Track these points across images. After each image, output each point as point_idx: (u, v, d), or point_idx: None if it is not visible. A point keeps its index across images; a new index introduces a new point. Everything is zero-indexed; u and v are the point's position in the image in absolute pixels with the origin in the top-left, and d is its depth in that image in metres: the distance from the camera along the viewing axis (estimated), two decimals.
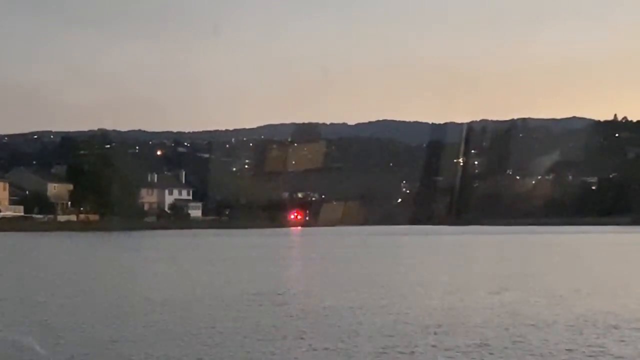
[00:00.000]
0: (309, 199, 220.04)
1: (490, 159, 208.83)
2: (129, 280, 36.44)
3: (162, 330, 19.51)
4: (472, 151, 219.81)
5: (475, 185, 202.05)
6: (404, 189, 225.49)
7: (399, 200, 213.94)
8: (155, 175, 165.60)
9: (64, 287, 32.10)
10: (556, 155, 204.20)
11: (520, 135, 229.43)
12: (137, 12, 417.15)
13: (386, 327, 19.84)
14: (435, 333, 18.79)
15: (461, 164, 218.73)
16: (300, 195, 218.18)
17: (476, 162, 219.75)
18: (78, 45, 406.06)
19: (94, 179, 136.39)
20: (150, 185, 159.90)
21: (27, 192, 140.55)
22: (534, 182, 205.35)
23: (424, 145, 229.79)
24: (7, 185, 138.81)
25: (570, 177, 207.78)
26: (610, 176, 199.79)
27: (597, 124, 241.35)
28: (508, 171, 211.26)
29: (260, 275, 38.84)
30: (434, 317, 21.63)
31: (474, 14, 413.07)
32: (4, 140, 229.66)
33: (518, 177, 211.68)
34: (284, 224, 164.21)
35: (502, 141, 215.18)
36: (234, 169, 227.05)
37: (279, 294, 28.04)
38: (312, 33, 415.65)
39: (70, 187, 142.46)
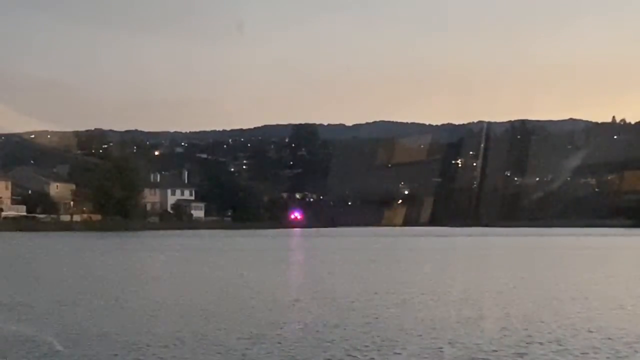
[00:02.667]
0: (307, 199, 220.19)
1: (490, 160, 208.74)
2: (153, 282, 35.44)
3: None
4: (470, 152, 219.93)
5: (474, 187, 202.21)
6: (402, 190, 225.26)
7: (399, 201, 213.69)
8: (158, 175, 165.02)
9: (85, 288, 31.27)
10: (556, 157, 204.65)
11: (519, 137, 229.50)
12: (134, 10, 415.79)
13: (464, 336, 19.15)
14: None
15: (459, 165, 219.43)
16: (298, 196, 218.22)
17: (474, 164, 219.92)
18: (73, 43, 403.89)
19: (97, 178, 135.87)
20: (153, 185, 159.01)
21: (29, 192, 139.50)
22: (533, 184, 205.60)
23: (421, 146, 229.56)
24: (9, 184, 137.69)
25: (568, 179, 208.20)
26: (609, 178, 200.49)
27: (595, 125, 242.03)
28: (506, 173, 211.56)
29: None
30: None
31: (472, 17, 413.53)
32: (1, 140, 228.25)
33: (516, 179, 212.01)
34: (285, 224, 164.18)
35: (502, 143, 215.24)
36: (232, 169, 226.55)
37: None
38: (310, 35, 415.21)
39: (73, 186, 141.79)
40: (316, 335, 17.95)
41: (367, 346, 16.77)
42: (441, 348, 16.41)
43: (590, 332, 18.41)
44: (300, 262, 52.82)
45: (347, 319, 20.83)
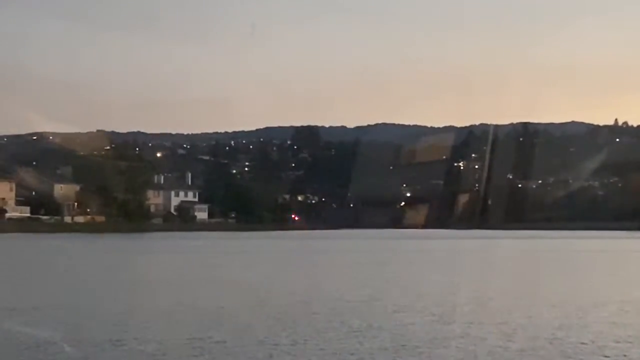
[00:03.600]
0: (309, 201, 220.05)
1: (492, 163, 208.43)
2: (166, 285, 35.02)
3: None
4: (473, 155, 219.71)
5: (477, 189, 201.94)
6: (404, 192, 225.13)
7: (402, 203, 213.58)
8: (162, 177, 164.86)
9: (98, 291, 31.11)
10: (559, 160, 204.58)
11: (521, 139, 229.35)
12: (137, 12, 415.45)
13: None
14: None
15: (462, 167, 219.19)
16: (300, 197, 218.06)
17: (476, 166, 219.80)
18: (76, 43, 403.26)
19: (101, 180, 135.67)
20: (157, 187, 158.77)
21: (33, 193, 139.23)
22: (536, 187, 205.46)
23: (424, 149, 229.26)
24: (13, 185, 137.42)
25: (571, 181, 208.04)
26: (611, 181, 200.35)
27: (597, 128, 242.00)
28: (509, 175, 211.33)
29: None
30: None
31: (473, 18, 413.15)
32: (3, 142, 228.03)
33: (519, 182, 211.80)
34: (288, 226, 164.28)
35: (504, 146, 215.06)
36: (234, 171, 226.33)
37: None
38: (312, 37, 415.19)
39: (77, 188, 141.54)
40: (336, 343, 17.64)
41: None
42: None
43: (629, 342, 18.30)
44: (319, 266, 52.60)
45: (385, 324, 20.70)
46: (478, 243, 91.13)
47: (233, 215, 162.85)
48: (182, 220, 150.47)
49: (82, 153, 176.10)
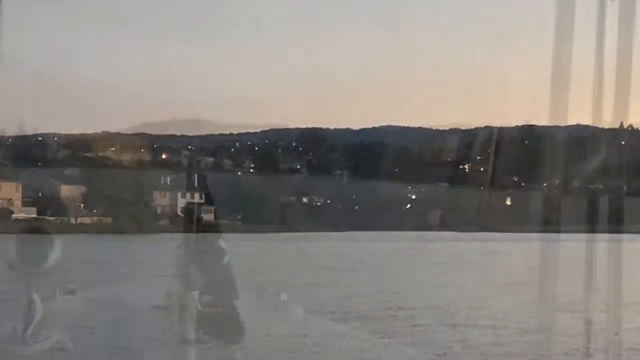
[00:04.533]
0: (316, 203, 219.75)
1: (498, 165, 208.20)
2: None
3: None
4: (478, 157, 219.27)
5: (482, 192, 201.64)
6: (409, 195, 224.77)
7: (408, 206, 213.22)
8: (168, 178, 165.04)
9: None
10: (563, 162, 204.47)
11: (526, 142, 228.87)
12: (140, 12, 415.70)
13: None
14: None
15: (467, 170, 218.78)
16: (305, 199, 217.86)
17: (482, 169, 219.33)
18: (79, 44, 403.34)
19: (107, 181, 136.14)
20: (163, 188, 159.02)
21: (39, 194, 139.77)
22: (541, 189, 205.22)
23: (429, 150, 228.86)
24: (19, 186, 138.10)
25: (576, 184, 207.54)
26: (617, 184, 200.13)
27: (603, 131, 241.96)
28: (514, 178, 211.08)
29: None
30: None
31: (476, 19, 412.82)
32: (9, 142, 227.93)
33: (524, 184, 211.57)
34: (294, 228, 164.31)
35: (510, 148, 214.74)
36: (240, 172, 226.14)
37: None
38: (314, 37, 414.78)
39: (83, 189, 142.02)
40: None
41: None
42: None
43: None
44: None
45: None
46: (486, 245, 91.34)
47: (239, 217, 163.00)
48: (189, 221, 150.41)
49: (87, 154, 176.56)
